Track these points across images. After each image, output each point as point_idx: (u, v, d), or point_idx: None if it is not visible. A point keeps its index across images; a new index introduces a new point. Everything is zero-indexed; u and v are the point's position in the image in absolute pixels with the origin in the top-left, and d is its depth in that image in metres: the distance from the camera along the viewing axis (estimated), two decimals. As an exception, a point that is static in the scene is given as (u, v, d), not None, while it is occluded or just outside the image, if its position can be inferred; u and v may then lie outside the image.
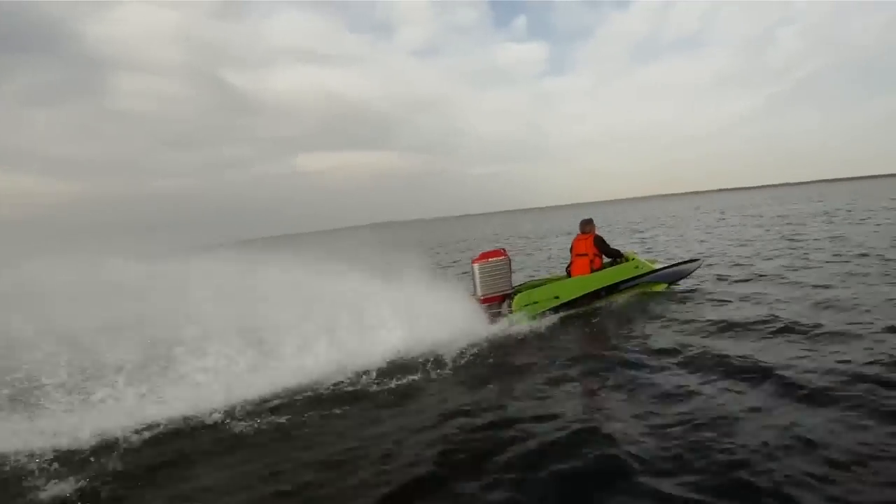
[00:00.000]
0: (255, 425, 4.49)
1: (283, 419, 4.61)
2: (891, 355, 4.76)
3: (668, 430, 3.78)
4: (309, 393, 5.18)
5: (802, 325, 6.07)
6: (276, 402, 5.00)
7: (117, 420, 4.58)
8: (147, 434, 4.45)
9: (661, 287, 8.72)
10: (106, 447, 4.26)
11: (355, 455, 3.85)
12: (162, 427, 4.58)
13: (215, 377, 5.33)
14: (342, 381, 5.42)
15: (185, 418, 4.70)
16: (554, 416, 4.18)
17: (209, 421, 4.65)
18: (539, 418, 4.18)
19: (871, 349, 5.03)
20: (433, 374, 5.58)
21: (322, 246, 7.77)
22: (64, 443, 4.28)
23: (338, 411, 4.74)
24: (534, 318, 7.37)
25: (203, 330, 5.56)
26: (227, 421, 4.62)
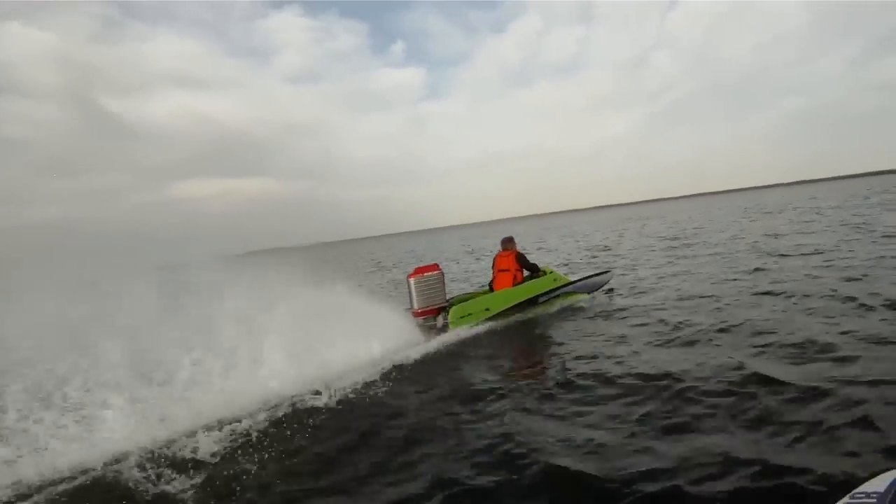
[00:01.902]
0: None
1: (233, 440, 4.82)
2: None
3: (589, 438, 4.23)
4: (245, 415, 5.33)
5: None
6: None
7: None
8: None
9: (583, 296, 9.71)
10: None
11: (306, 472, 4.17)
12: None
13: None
14: (280, 402, 5.63)
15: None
16: (488, 428, 4.60)
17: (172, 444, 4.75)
18: (477, 432, 4.56)
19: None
20: (370, 390, 5.92)
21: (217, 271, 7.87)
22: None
23: (280, 430, 4.98)
24: (468, 329, 8.00)
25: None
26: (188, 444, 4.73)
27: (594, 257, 19.12)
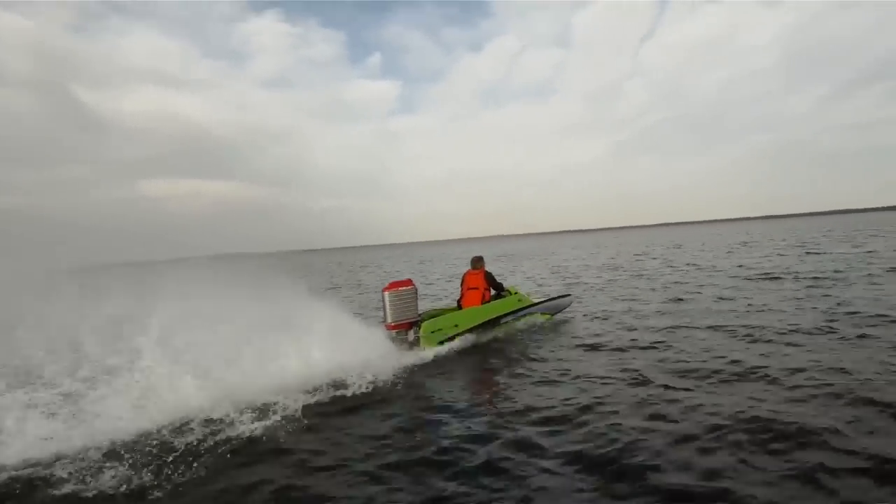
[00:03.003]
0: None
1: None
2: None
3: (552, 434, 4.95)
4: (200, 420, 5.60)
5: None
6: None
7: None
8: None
9: (545, 318, 10.45)
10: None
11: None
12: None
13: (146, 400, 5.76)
14: (250, 408, 5.90)
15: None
16: (460, 432, 5.14)
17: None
18: (446, 435, 5.12)
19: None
20: (343, 399, 6.35)
21: (177, 274, 7.76)
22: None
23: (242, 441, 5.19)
24: (438, 343, 8.56)
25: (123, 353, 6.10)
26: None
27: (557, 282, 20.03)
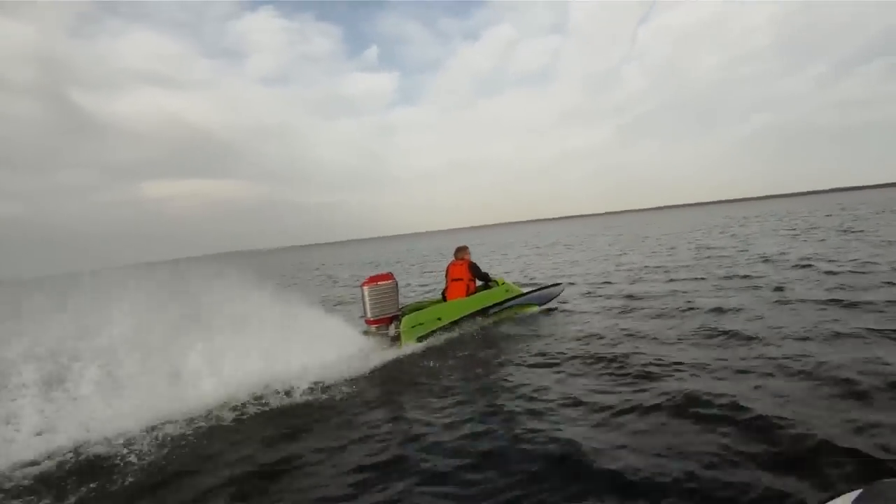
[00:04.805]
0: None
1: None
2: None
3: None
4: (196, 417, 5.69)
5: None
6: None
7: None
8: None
9: (534, 309, 10.29)
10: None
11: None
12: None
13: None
14: (241, 403, 6.02)
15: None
16: (439, 429, 5.04)
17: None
18: (424, 434, 4.98)
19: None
20: (325, 397, 6.28)
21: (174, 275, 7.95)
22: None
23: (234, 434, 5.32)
24: (420, 338, 8.42)
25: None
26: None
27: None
